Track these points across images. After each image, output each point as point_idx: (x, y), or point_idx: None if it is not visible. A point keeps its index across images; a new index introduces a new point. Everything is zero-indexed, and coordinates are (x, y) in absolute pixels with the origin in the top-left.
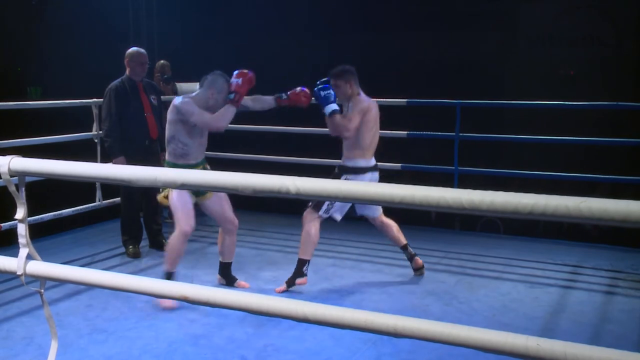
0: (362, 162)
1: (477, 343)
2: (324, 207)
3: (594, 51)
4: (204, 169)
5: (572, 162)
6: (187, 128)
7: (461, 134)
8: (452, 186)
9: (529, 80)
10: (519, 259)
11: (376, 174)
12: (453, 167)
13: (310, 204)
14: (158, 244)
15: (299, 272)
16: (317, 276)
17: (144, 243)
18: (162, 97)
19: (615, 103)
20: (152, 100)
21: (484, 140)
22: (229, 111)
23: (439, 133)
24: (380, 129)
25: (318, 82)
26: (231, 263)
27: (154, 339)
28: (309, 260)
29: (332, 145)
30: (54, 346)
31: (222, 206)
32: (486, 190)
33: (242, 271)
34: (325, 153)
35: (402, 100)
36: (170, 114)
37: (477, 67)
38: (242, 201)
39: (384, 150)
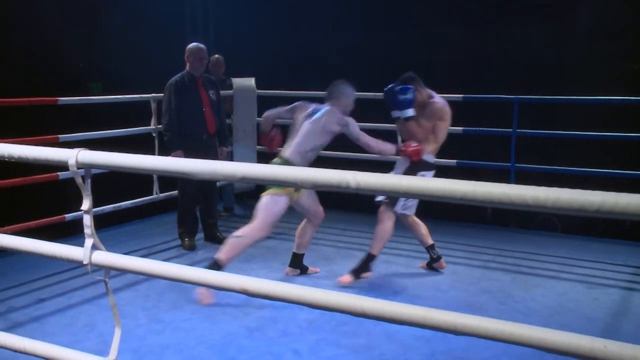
0: (432, 158)
1: (539, 343)
2: (400, 203)
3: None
4: None
5: (633, 160)
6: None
7: (518, 130)
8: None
9: (588, 75)
10: (577, 259)
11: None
12: (509, 164)
13: (383, 200)
14: (213, 237)
15: (366, 266)
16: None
17: (199, 236)
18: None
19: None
20: (211, 95)
21: (540, 137)
22: (385, 150)
23: (496, 129)
24: None
25: (393, 85)
26: (304, 255)
27: (209, 331)
28: (376, 257)
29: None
30: (117, 334)
31: (314, 199)
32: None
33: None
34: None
35: (458, 96)
36: (321, 123)
37: (534, 62)
38: None
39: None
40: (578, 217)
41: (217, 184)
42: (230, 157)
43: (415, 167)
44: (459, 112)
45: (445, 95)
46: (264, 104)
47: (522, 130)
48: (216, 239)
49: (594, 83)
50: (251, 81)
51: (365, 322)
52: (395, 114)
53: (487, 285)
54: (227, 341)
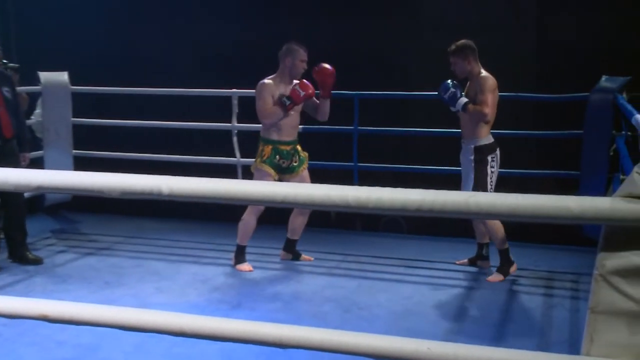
0: (491, 137)
1: (359, 349)
2: None
3: (500, 41)
4: (295, 150)
5: None
6: None
7: (360, 128)
8: (352, 184)
9: (435, 71)
10: (422, 260)
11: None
12: (352, 164)
13: None
14: (22, 257)
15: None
16: (207, 286)
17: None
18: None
19: (516, 94)
20: (5, 92)
21: (388, 135)
22: (277, 114)
23: (337, 127)
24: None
25: (444, 85)
26: (297, 240)
27: None
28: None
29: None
30: None
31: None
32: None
33: (120, 284)
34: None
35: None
36: None
37: (377, 57)
38: (113, 204)
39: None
40: (424, 217)
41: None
42: (39, 164)
43: (481, 151)
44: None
45: None
46: (81, 102)
47: (364, 128)
48: (25, 259)
49: (440, 80)
50: (63, 76)
51: (199, 342)
52: (453, 109)
53: (331, 294)
54: None
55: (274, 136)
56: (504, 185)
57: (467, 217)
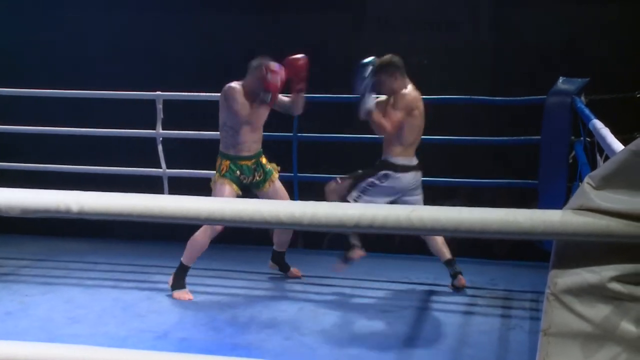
0: (403, 160)
1: None
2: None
3: (450, 38)
4: (258, 163)
5: (432, 164)
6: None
7: (300, 134)
8: (292, 197)
9: None
10: (371, 280)
11: (419, 174)
12: (292, 174)
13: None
14: None
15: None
16: (127, 314)
17: None
18: None
19: (469, 97)
20: None
21: (326, 141)
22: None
23: (275, 134)
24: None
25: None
26: (285, 252)
27: None
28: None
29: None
30: None
31: (280, 198)
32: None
33: (26, 315)
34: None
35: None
36: (220, 99)
37: (315, 54)
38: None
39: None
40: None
41: None
42: None
43: (382, 165)
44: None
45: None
46: None
47: (304, 135)
48: None
49: None
50: None
51: None
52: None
53: (270, 319)
54: None
55: (231, 152)
56: (456, 196)
57: (409, 233)
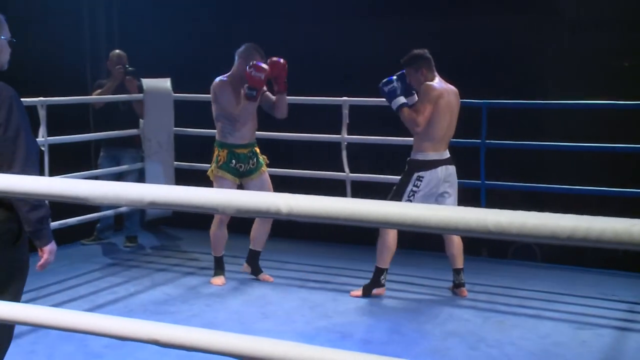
0: (433, 155)
1: None
2: None
3: None
4: (253, 152)
5: (623, 175)
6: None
7: (488, 141)
8: (478, 204)
9: (570, 75)
10: (561, 294)
11: (451, 168)
12: (479, 181)
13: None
14: None
15: (377, 281)
16: (314, 313)
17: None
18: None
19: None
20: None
21: (517, 149)
22: (246, 109)
23: (462, 140)
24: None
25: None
26: (260, 252)
27: None
28: (386, 269)
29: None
30: None
31: (265, 189)
32: (518, 209)
33: (223, 308)
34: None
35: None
36: (211, 94)
37: (506, 60)
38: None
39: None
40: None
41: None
42: (141, 176)
43: (411, 166)
44: None
45: None
46: (185, 110)
47: (492, 142)
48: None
49: (577, 84)
50: (166, 82)
51: None
52: (393, 108)
53: (455, 327)
54: None
55: (230, 140)
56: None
57: (629, 249)
